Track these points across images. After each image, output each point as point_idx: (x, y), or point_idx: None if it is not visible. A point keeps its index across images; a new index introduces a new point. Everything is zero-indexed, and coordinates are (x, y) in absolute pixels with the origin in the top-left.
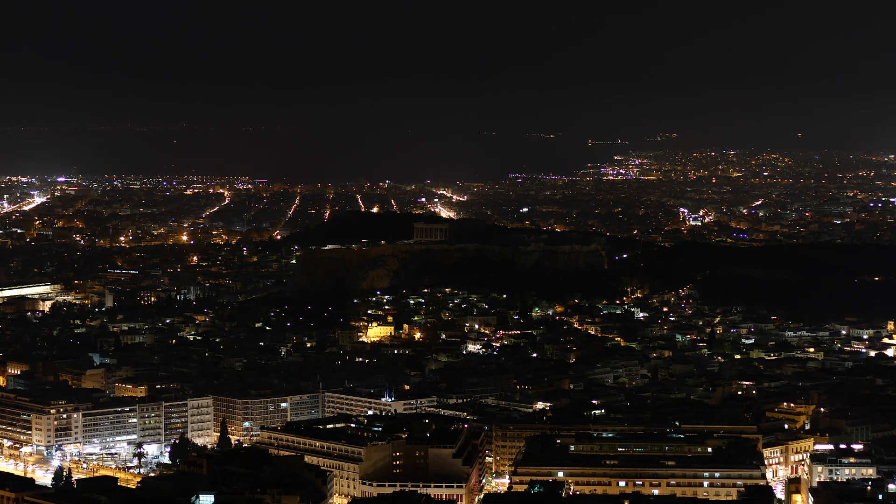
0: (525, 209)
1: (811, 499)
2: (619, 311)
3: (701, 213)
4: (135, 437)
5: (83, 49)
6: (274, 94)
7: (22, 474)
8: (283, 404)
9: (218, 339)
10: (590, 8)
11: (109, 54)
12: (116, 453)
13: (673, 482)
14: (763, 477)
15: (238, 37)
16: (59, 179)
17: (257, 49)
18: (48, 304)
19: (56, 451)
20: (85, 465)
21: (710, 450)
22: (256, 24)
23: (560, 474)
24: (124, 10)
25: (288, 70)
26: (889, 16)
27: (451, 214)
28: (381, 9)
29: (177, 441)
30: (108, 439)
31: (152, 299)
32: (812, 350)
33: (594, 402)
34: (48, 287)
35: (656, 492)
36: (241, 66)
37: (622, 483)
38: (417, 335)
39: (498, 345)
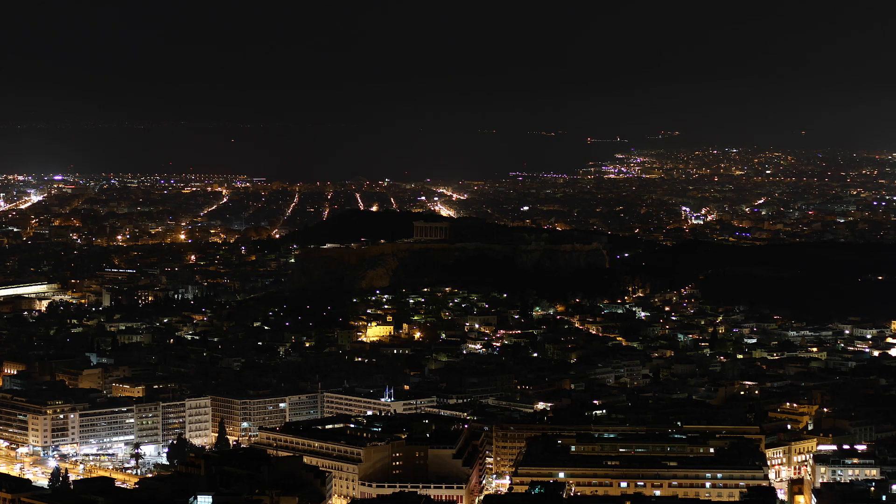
0: (526, 208)
1: (814, 500)
2: (620, 311)
3: (703, 212)
4: (132, 437)
5: (80, 48)
6: (272, 94)
7: (18, 475)
8: (282, 404)
9: (216, 339)
10: (590, 5)
11: (107, 53)
12: (114, 454)
13: (675, 483)
14: (766, 478)
15: (236, 36)
16: (56, 178)
17: (255, 49)
18: (45, 303)
19: (53, 451)
20: (82, 466)
21: (712, 450)
22: (255, 25)
23: (561, 475)
24: (122, 10)
25: (286, 69)
26: (892, 14)
27: (452, 213)
28: (379, 7)
29: (174, 441)
30: (105, 440)
31: (150, 298)
32: (815, 350)
33: (595, 402)
34: (45, 286)
35: (658, 493)
36: (240, 65)
37: (624, 484)
38: (417, 335)
39: (498, 344)
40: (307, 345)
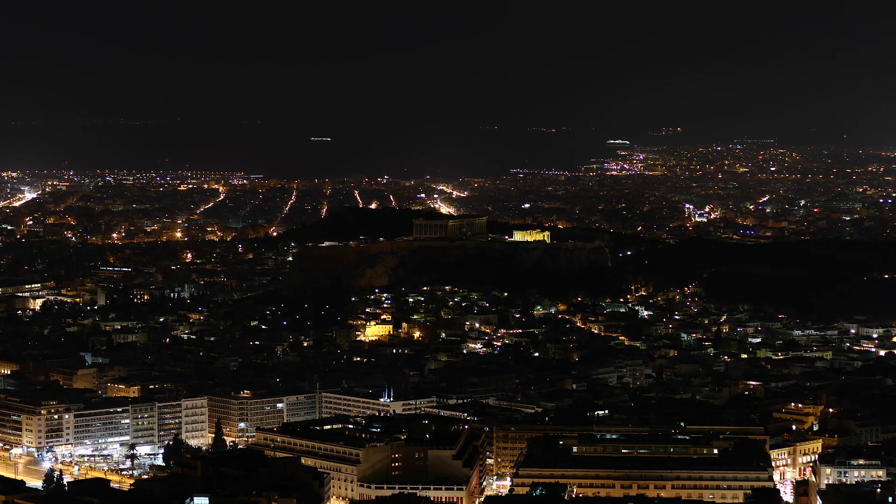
0: (527, 205)
1: (819, 501)
2: (622, 310)
3: (707, 209)
4: (128, 438)
5: (75, 44)
6: (270, 91)
7: (12, 476)
8: (280, 405)
9: (213, 338)
10: (590, 4)
11: (102, 50)
12: (109, 455)
13: (678, 484)
14: (770, 479)
15: (234, 34)
16: (51, 175)
17: (253, 48)
18: (39, 302)
19: (47, 452)
20: (77, 467)
21: (716, 451)
22: (252, 24)
23: (563, 476)
24: (120, 6)
25: (284, 65)
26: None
27: (452, 210)
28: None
29: (171, 442)
30: (100, 440)
31: (145, 297)
32: (820, 349)
33: (597, 402)
34: (39, 285)
35: (661, 494)
36: (238, 64)
37: (626, 485)
38: (417, 334)
39: (499, 344)
40: (305, 344)
